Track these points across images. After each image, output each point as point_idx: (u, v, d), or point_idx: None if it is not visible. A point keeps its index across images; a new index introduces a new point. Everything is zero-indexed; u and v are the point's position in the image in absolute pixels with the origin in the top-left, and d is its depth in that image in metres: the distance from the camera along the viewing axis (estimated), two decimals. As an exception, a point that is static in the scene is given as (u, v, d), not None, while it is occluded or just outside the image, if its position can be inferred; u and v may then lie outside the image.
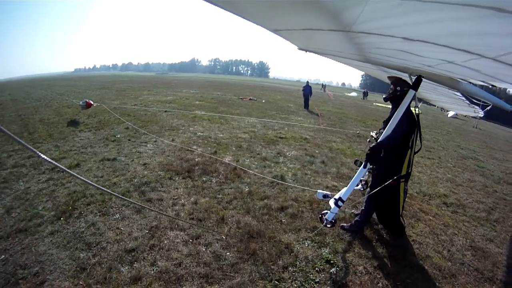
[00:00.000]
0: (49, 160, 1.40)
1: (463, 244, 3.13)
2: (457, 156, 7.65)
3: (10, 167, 4.54)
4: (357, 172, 2.79)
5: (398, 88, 2.70)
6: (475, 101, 4.62)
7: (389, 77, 2.89)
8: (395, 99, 2.76)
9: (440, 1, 0.72)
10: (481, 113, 5.32)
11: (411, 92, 2.49)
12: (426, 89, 3.91)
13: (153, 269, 2.37)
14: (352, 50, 1.89)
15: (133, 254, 2.53)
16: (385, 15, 0.98)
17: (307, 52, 2.51)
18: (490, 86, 2.05)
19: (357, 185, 3.19)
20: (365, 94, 33.31)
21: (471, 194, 4.72)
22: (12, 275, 2.25)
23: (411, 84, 2.51)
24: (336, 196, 2.83)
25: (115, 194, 2.64)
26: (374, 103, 24.68)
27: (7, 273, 2.27)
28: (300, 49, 2.41)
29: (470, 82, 2.17)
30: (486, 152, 9.20)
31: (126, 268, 2.37)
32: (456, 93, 3.81)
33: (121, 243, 2.67)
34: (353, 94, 41.61)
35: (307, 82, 15.33)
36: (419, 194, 4.40)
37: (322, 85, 41.39)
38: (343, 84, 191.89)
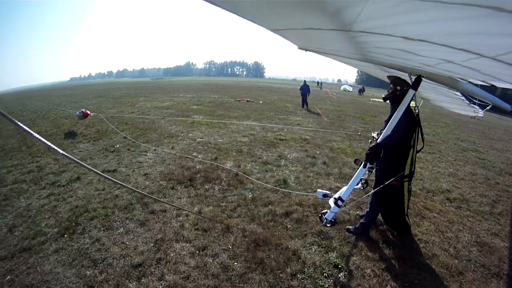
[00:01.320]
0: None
1: (469, 240, 3.13)
2: (458, 149, 7.67)
3: (11, 183, 4.52)
4: (357, 172, 2.78)
5: (398, 88, 2.68)
6: (474, 100, 4.62)
7: (388, 77, 2.88)
8: (394, 98, 2.73)
9: (439, 0, 0.72)
10: (481, 113, 5.31)
11: (411, 92, 2.47)
12: (426, 89, 3.89)
13: (161, 284, 2.35)
14: (352, 49, 1.88)
15: (140, 269, 2.51)
16: (385, 14, 0.98)
17: (307, 52, 2.48)
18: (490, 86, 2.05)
19: (357, 184, 3.19)
20: (362, 90, 33.23)
21: (474, 188, 4.73)
22: (19, 297, 2.23)
23: (411, 83, 2.50)
24: (336, 196, 2.81)
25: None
26: (371, 99, 24.71)
27: (14, 296, 2.25)
28: (300, 48, 2.39)
29: (470, 82, 2.16)
30: (486, 143, 9.24)
31: (134, 283, 2.36)
32: (456, 92, 3.80)
33: (127, 258, 2.65)
34: (345, 87, 41.36)
35: (304, 81, 15.33)
36: (423, 191, 4.40)
37: (318, 82, 41.14)
38: (339, 80, 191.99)
